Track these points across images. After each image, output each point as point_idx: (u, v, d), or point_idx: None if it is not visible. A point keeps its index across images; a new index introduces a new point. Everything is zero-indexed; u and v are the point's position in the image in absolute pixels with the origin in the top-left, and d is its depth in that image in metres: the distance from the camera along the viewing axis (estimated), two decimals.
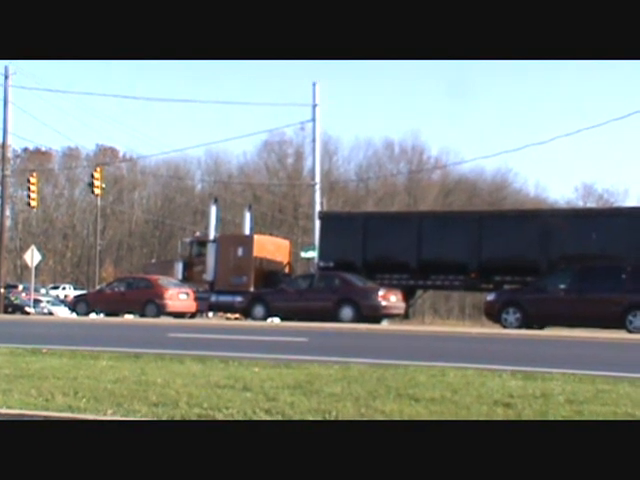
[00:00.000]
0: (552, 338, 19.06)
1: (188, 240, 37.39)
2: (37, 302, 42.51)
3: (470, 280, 28.51)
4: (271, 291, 28.87)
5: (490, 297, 26.18)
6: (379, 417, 6.57)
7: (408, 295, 29.19)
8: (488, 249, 27.64)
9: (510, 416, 6.65)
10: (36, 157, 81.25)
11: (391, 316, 27.93)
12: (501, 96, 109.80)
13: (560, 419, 6.51)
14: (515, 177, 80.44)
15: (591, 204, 73.85)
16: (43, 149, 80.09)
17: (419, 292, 32.30)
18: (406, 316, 29.46)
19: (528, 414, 6.72)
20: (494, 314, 25.42)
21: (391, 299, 27.02)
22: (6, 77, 38.07)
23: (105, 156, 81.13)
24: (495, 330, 23.61)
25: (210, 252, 32.00)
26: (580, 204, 73.80)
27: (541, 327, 24.10)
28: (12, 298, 42.16)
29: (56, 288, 66.49)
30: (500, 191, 76.93)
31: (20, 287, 54.87)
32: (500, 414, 6.73)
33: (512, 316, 24.45)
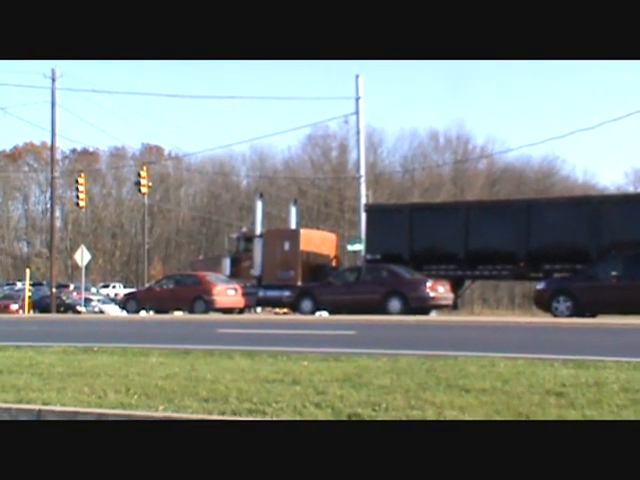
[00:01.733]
0: (604, 326, 18.80)
1: (235, 236, 37.56)
2: (88, 301, 43.07)
3: (519, 269, 28.26)
4: (318, 285, 28.89)
5: (540, 286, 25.93)
6: (429, 409, 6.52)
7: (456, 286, 29.02)
8: (537, 237, 27.36)
9: (563, 405, 6.56)
10: (84, 158, 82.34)
11: (439, 307, 27.80)
12: (546, 83, 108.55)
13: (615, 408, 6.40)
14: (563, 164, 79.61)
15: None
16: (90, 149, 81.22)
17: (467, 282, 32.08)
18: (455, 307, 29.29)
19: (581, 403, 6.63)
20: (544, 303, 25.17)
21: (439, 290, 26.88)
22: (53, 80, 38.58)
23: (151, 155, 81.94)
24: (545, 319, 23.38)
25: (257, 247, 32.11)
26: (630, 189, 72.72)
27: (593, 315, 23.80)
28: (64, 297, 42.75)
29: (106, 287, 67.33)
30: (548, 179, 76.06)
31: (71, 286, 55.65)
32: (552, 403, 6.64)
33: (563, 304, 24.18)
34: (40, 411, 6.80)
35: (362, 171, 39.09)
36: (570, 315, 23.57)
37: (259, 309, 36.00)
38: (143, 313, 30.25)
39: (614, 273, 23.97)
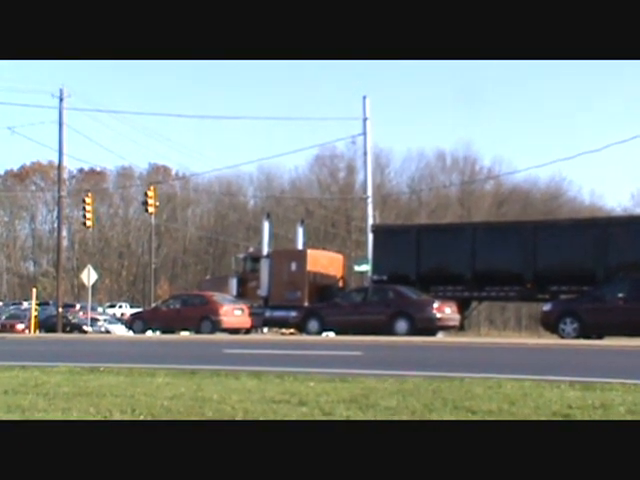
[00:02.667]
0: (611, 348, 18.74)
1: (242, 256, 37.61)
2: (94, 321, 43.09)
3: (526, 290, 28.23)
4: (325, 305, 28.88)
5: (547, 307, 25.89)
6: None
7: (463, 307, 28.98)
8: (543, 259, 27.34)
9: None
10: (91, 177, 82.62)
11: (446, 328, 27.75)
12: (553, 104, 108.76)
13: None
14: (570, 185, 79.30)
15: None
16: (97, 169, 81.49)
17: (474, 303, 32.04)
18: (461, 328, 29.24)
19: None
20: (551, 324, 25.13)
21: (446, 311, 26.84)
22: (61, 99, 38.79)
23: (158, 174, 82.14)
24: (552, 340, 23.32)
25: (264, 267, 32.14)
26: (637, 211, 72.60)
27: (599, 337, 23.73)
28: (70, 317, 42.79)
29: (113, 306, 67.35)
30: (554, 200, 76.03)
31: (77, 306, 55.68)
32: None
33: (569, 326, 24.13)
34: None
35: (369, 192, 39.17)
36: (577, 337, 23.51)
37: (266, 329, 35.98)
38: (149, 333, 30.27)
39: (621, 295, 23.93)
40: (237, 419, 7.11)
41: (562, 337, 23.97)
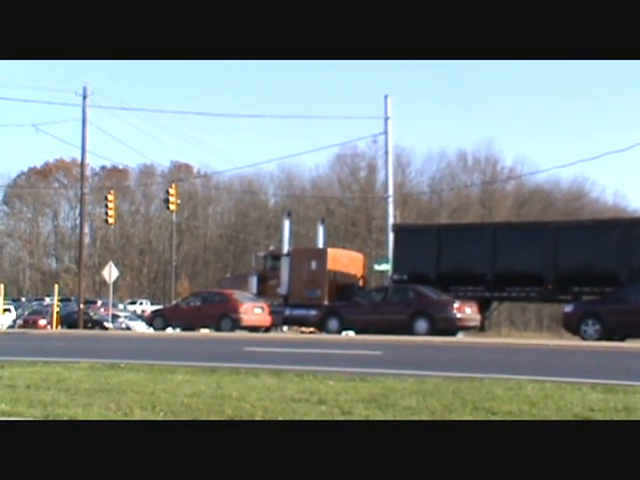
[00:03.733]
0: (633, 350, 18.61)
1: (262, 254, 37.64)
2: (115, 317, 43.26)
3: (547, 291, 28.07)
4: (345, 304, 28.85)
5: (568, 308, 25.73)
6: None
7: (483, 307, 28.85)
8: (565, 260, 27.18)
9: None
10: (113, 175, 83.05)
11: (466, 328, 27.65)
12: (576, 104, 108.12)
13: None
14: (592, 186, 78.81)
15: None
16: (120, 167, 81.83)
17: (495, 304, 31.91)
18: (482, 328, 29.13)
19: None
20: (573, 326, 24.96)
21: (466, 311, 26.75)
22: (84, 97, 38.92)
23: (180, 172, 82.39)
24: (574, 342, 23.17)
25: (284, 266, 32.16)
26: None
27: (622, 339, 23.55)
28: (91, 314, 42.99)
29: (133, 303, 67.63)
30: (577, 200, 75.60)
31: (99, 303, 55.96)
32: None
33: (591, 327, 23.97)
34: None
35: (390, 191, 39.09)
36: (599, 338, 23.34)
37: (285, 328, 36.00)
38: (170, 330, 30.35)
39: None
40: (256, 419, 7.12)
41: (584, 339, 23.81)
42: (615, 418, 6.98)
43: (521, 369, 11.93)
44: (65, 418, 7.19)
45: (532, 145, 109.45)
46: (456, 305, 26.62)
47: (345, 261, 33.20)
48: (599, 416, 7.06)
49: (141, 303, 68.82)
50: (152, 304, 65.67)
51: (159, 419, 7.14)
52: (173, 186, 47.25)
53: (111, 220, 43.29)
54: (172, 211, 48.96)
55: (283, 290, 32.01)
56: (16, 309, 50.30)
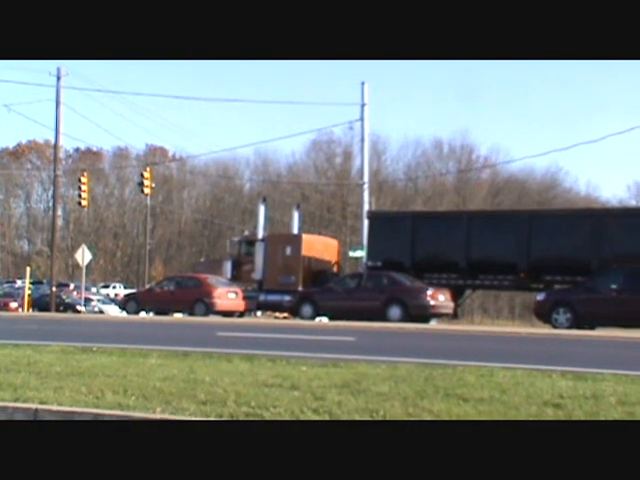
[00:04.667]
0: (603, 339, 18.78)
1: (237, 239, 37.56)
2: (88, 301, 43.06)
3: (520, 280, 28.25)
4: (319, 290, 28.87)
5: (540, 297, 25.92)
6: (427, 417, 6.53)
7: (457, 295, 28.98)
8: (538, 248, 27.35)
9: (560, 417, 6.56)
10: (87, 157, 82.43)
11: (439, 316, 27.77)
12: (551, 94, 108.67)
13: (611, 420, 6.40)
14: (565, 176, 79.33)
15: None
16: (94, 149, 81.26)
17: (468, 292, 32.07)
18: (455, 316, 29.26)
19: (578, 415, 6.62)
20: (544, 314, 25.16)
21: (439, 299, 26.86)
22: (58, 78, 38.59)
23: (155, 156, 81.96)
24: (545, 330, 23.36)
25: (259, 251, 32.12)
26: (633, 203, 72.69)
27: (592, 327, 23.78)
28: (64, 297, 42.75)
29: (106, 287, 67.32)
30: (550, 190, 76.05)
31: (71, 286, 55.63)
32: (550, 415, 6.64)
33: (562, 316, 24.18)
34: (37, 410, 6.80)
35: (365, 178, 39.13)
36: (570, 327, 23.55)
37: (259, 313, 35.99)
38: (143, 314, 30.24)
39: (614, 286, 23.97)
40: (228, 402, 7.12)
41: (555, 327, 24.01)
42: (584, 405, 7.06)
43: (493, 356, 12.02)
44: (36, 401, 7.16)
45: (507, 135, 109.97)
46: (430, 292, 26.73)
47: (320, 247, 33.22)
48: (568, 403, 7.14)
49: (114, 287, 68.49)
50: (125, 288, 65.38)
51: (131, 403, 7.13)
52: (148, 169, 47.06)
53: (84, 203, 43.05)
54: (147, 194, 48.76)
55: (257, 275, 31.98)
56: None
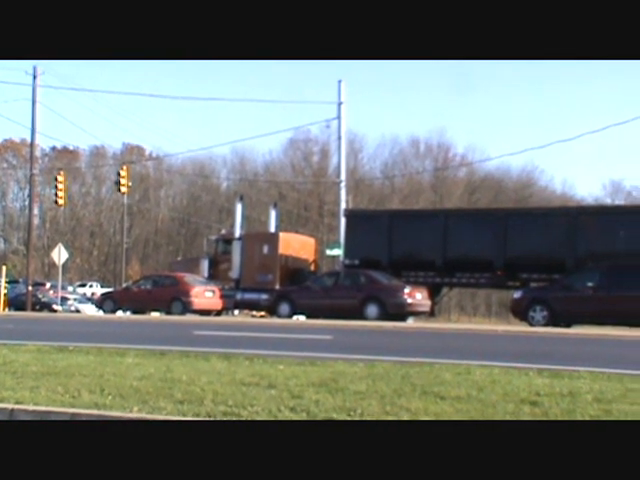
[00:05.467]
0: (579, 336, 18.92)
1: (214, 238, 37.47)
2: (64, 300, 42.78)
3: (496, 278, 28.38)
4: (296, 289, 28.87)
5: (517, 295, 26.06)
6: (404, 415, 6.54)
7: (434, 293, 29.09)
8: (514, 247, 27.48)
9: (537, 414, 6.60)
10: (63, 156, 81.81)
11: (417, 314, 27.85)
12: (527, 93, 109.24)
13: (588, 418, 6.45)
14: (541, 174, 79.72)
15: (619, 201, 73.29)
16: (70, 148, 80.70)
17: (445, 290, 32.18)
18: (432, 314, 29.36)
19: (555, 412, 6.67)
20: (521, 312, 25.30)
21: (417, 297, 26.94)
22: (34, 77, 38.35)
23: (132, 154, 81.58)
24: (522, 328, 23.48)
25: (236, 250, 32.07)
26: (608, 201, 73.22)
27: (568, 325, 23.95)
28: (40, 296, 42.44)
29: (83, 286, 66.88)
30: (526, 189, 76.43)
31: (48, 285, 55.21)
32: (527, 412, 6.68)
33: (539, 314, 24.32)
34: (13, 410, 6.76)
35: (342, 176, 39.15)
36: (546, 324, 23.70)
37: (237, 312, 35.92)
38: (120, 313, 30.11)
39: (590, 284, 24.13)
40: (205, 401, 7.11)
41: (531, 325, 24.14)
42: (560, 402, 7.11)
43: (470, 354, 12.07)
44: (12, 401, 7.12)
45: (483, 133, 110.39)
46: (407, 290, 26.80)
47: (297, 246, 33.21)
48: (545, 400, 7.18)
49: (91, 286, 68.06)
50: (102, 287, 64.98)
51: (108, 402, 7.10)
52: (124, 168, 46.86)
53: (61, 201, 42.80)
54: (123, 193, 48.59)
55: (235, 274, 31.93)
56: None
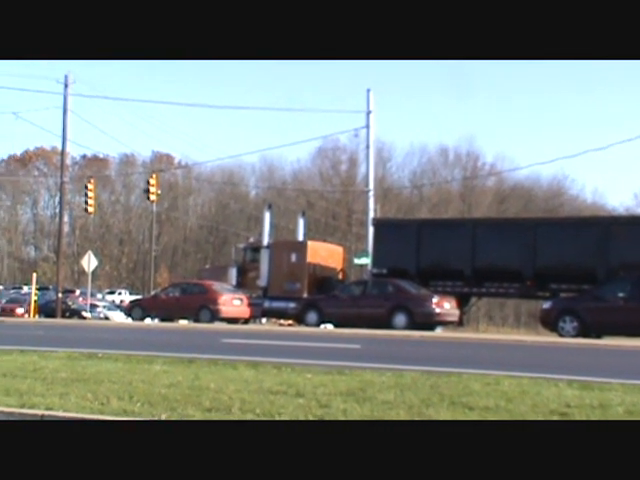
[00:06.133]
0: (610, 347, 18.72)
1: (242, 246, 37.55)
2: (94, 307, 43.04)
3: (526, 288, 28.16)
4: (324, 297, 28.84)
5: (546, 305, 25.84)
6: None
7: (462, 302, 28.92)
8: (544, 256, 27.28)
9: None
10: (93, 164, 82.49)
11: (445, 323, 27.70)
12: (557, 102, 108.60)
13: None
14: (572, 184, 79.12)
15: None
16: (100, 156, 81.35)
17: (473, 299, 32.00)
18: (460, 324, 29.19)
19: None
20: (550, 322, 25.08)
21: (445, 306, 26.81)
22: (66, 85, 38.67)
23: (161, 163, 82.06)
24: (551, 339, 23.29)
25: (264, 258, 32.11)
26: (639, 211, 72.51)
27: (598, 336, 23.69)
28: (69, 303, 42.74)
29: (112, 293, 67.31)
30: (556, 198, 75.90)
31: (77, 292, 55.64)
32: None
33: (569, 324, 24.10)
34: (43, 416, 6.80)
35: (371, 185, 39.09)
36: (576, 335, 23.46)
37: (264, 320, 35.96)
38: (148, 320, 30.23)
39: (621, 295, 23.88)
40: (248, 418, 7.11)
41: (561, 335, 23.92)
42: (591, 415, 7.02)
43: (498, 365, 11.97)
44: (42, 407, 7.16)
45: (513, 142, 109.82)
46: (435, 300, 26.68)
47: (325, 254, 33.19)
48: (575, 412, 7.10)
49: (120, 293, 68.48)
50: (131, 294, 65.35)
51: (136, 409, 7.12)
52: (154, 176, 47.07)
53: (91, 209, 43.08)
54: (152, 201, 48.77)
55: (262, 282, 31.96)
56: None
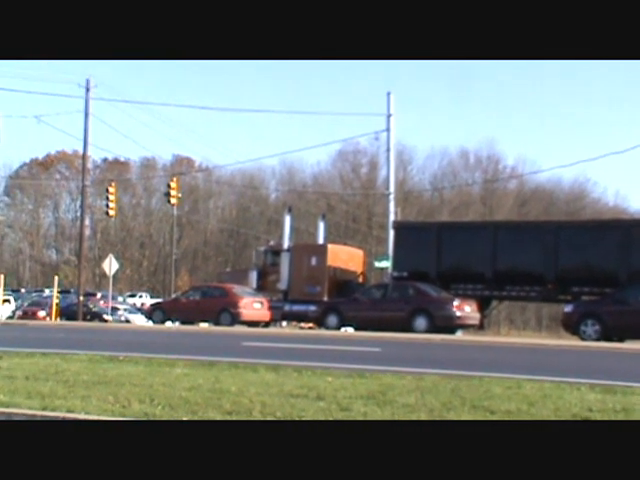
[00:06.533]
0: (633, 351, 18.60)
1: (262, 249, 37.60)
2: (114, 310, 43.25)
3: (547, 291, 28.03)
4: (345, 301, 28.81)
5: (568, 308, 25.70)
6: None
7: (483, 305, 28.82)
8: (565, 260, 27.15)
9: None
10: (114, 167, 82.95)
11: (466, 327, 27.61)
12: (578, 104, 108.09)
13: None
14: (594, 186, 78.79)
15: None
16: (121, 159, 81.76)
17: (494, 303, 31.89)
18: (481, 327, 29.10)
19: None
20: (572, 326, 24.93)
21: (466, 309, 26.72)
22: (87, 89, 38.88)
23: (181, 166, 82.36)
24: (573, 342, 23.16)
25: (284, 261, 32.13)
26: None
27: (621, 340, 23.53)
28: (91, 306, 42.96)
29: (133, 296, 67.62)
30: (578, 201, 75.56)
31: (98, 295, 55.92)
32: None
33: (591, 328, 23.95)
34: (65, 419, 6.83)
35: (391, 188, 39.04)
36: (598, 339, 23.31)
37: (284, 323, 35.99)
38: (169, 324, 30.32)
39: None
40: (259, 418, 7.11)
41: (583, 339, 23.78)
42: (613, 419, 6.97)
43: (520, 368, 11.92)
44: (63, 410, 7.19)
45: (534, 145, 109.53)
46: (456, 303, 26.60)
47: (345, 257, 33.18)
48: (597, 416, 7.05)
49: (140, 296, 68.78)
50: (152, 297, 65.64)
51: (157, 412, 7.14)
52: (174, 179, 47.27)
53: (112, 212, 43.29)
54: (173, 204, 49.05)
55: (283, 285, 31.99)
56: (15, 300, 50.26)
